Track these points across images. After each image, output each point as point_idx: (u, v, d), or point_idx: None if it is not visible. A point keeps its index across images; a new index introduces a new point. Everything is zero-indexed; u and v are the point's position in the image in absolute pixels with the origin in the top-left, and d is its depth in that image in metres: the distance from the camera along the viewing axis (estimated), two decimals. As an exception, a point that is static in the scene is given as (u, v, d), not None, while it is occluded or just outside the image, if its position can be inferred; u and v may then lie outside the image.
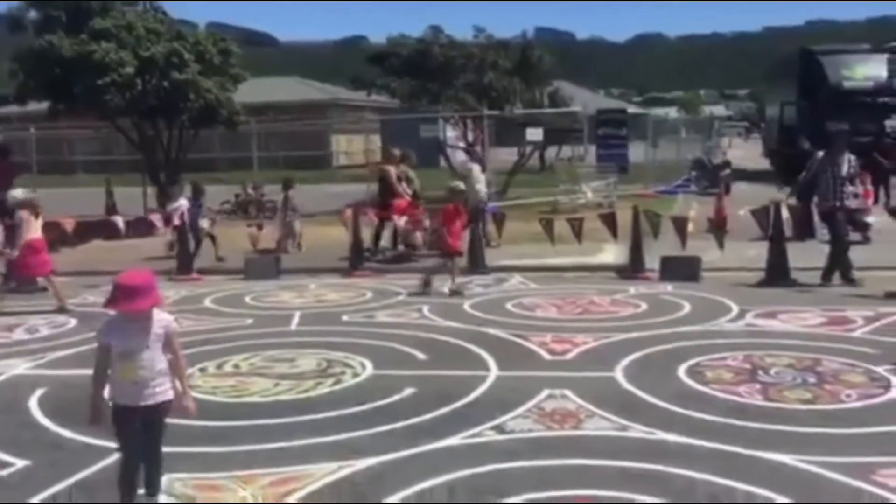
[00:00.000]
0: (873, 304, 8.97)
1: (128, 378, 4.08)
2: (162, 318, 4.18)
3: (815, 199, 11.24)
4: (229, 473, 4.80)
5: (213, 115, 18.43)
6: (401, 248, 13.58)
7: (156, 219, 15.14)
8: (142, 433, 4.14)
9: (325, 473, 4.77)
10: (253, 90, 32.17)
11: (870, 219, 12.71)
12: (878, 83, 26.09)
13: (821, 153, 10.94)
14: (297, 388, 6.49)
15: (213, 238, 13.55)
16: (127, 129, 19.76)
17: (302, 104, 40.93)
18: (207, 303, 10.34)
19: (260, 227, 14.19)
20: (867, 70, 26.38)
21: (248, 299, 10.49)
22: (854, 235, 12.17)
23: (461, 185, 11.58)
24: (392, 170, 13.76)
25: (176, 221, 13.05)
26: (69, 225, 12.91)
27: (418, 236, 13.32)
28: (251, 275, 12.17)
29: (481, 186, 14.16)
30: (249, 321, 9.18)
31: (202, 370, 7.07)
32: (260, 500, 4.45)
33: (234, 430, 5.54)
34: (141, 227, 16.03)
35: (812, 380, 6.31)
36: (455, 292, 10.28)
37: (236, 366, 7.22)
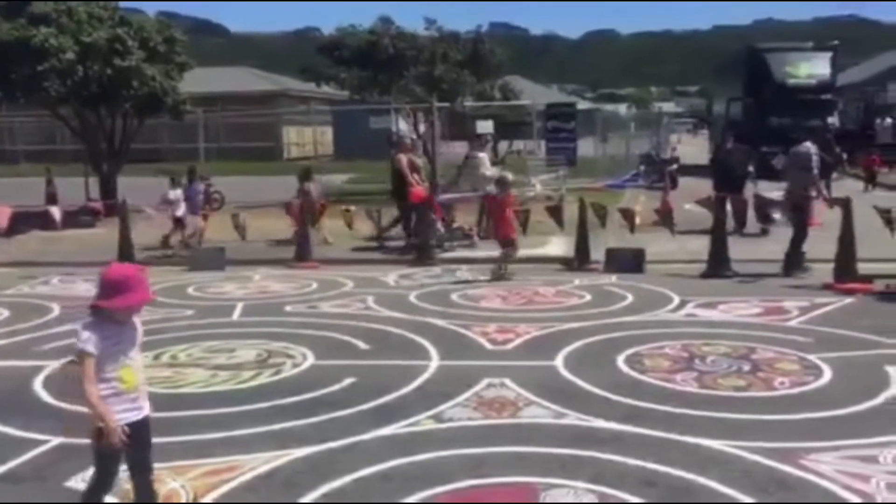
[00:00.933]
0: (809, 295, 9.18)
1: (130, 388, 3.59)
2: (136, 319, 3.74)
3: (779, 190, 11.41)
4: (160, 465, 4.67)
5: (158, 103, 18.04)
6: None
7: (98, 208, 14.84)
8: (135, 447, 3.66)
9: (260, 463, 4.71)
10: (201, 80, 31.62)
11: (776, 215, 13.02)
12: (821, 81, 26.71)
13: (811, 146, 10.92)
14: (234, 379, 6.40)
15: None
16: (69, 117, 19.27)
17: (251, 95, 40.44)
18: (148, 294, 10.12)
19: (205, 218, 13.95)
20: (811, 68, 27.00)
21: (190, 290, 10.32)
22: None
23: (509, 177, 11.64)
24: (404, 159, 13.53)
25: (179, 213, 13.25)
26: (4, 215, 12.54)
27: (439, 226, 13.10)
28: (196, 266, 11.99)
29: (490, 174, 14.24)
30: (190, 312, 9.02)
31: (138, 361, 6.92)
32: (190, 491, 4.37)
33: (166, 421, 5.40)
34: (82, 218, 15.71)
35: (746, 368, 6.42)
36: (502, 277, 10.53)
37: (173, 357, 7.09)
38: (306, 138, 39.56)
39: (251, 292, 10.19)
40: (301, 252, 12.23)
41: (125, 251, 12.17)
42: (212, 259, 12.13)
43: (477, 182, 14.12)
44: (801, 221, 10.61)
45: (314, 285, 10.50)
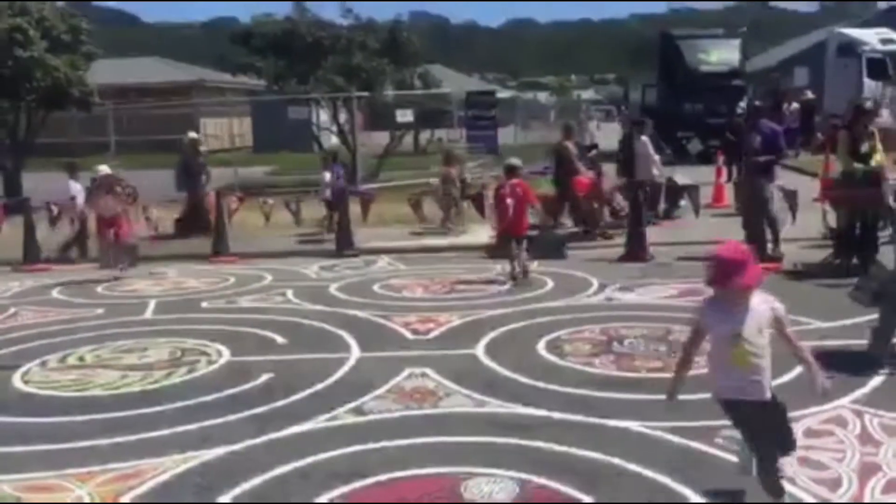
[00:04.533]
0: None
1: (738, 363, 3.72)
2: (768, 300, 3.81)
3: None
4: (64, 472, 4.49)
5: (64, 95, 17.33)
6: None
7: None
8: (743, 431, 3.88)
9: (171, 466, 4.53)
10: (111, 71, 30.52)
11: (683, 201, 13.19)
12: (732, 67, 27.36)
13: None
14: (146, 379, 6.17)
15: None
16: (-33, 111, 18.35)
17: (165, 86, 39.21)
18: (55, 293, 9.72)
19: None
20: (722, 54, 27.59)
21: (100, 289, 9.94)
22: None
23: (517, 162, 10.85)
24: (571, 146, 12.95)
25: (327, 195, 12.86)
26: None
27: (605, 213, 12.61)
28: (105, 263, 11.51)
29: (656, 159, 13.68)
30: (100, 311, 8.68)
31: (42, 364, 6.62)
32: (96, 499, 4.17)
33: (72, 425, 5.20)
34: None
35: (663, 349, 6.51)
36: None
37: (81, 358, 6.80)
38: (224, 130, 38.60)
39: (165, 289, 9.87)
40: (217, 246, 11.92)
41: (30, 251, 11.66)
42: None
43: (646, 168, 13.18)
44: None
45: (232, 280, 10.23)
